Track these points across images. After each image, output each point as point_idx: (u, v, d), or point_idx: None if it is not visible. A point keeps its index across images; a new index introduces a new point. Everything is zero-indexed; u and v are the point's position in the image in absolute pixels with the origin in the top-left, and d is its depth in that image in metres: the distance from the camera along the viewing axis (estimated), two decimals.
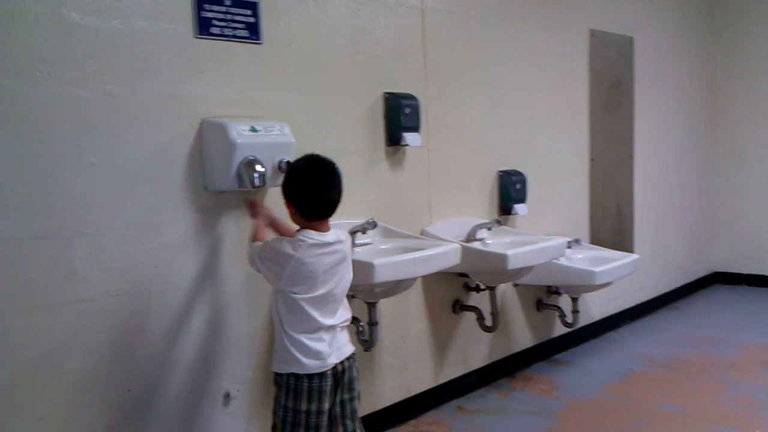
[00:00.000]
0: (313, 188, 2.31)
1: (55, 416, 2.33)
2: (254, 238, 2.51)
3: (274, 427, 2.41)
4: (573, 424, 3.63)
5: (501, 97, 4.17)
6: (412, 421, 3.64)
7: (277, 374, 2.38)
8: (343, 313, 2.42)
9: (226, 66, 2.74)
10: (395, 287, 3.11)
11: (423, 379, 3.76)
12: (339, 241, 2.37)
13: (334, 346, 2.36)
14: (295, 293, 2.30)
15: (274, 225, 2.64)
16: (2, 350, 2.20)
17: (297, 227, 2.38)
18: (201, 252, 2.69)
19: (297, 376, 2.32)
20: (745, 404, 3.83)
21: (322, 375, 2.33)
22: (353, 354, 2.46)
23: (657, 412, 3.75)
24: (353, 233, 3.07)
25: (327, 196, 2.34)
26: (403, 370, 3.62)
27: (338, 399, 2.42)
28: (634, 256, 4.45)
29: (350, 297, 3.12)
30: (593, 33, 4.93)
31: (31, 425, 2.27)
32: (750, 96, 6.61)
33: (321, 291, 2.32)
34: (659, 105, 5.78)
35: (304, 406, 2.33)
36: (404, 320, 3.61)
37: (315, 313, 2.31)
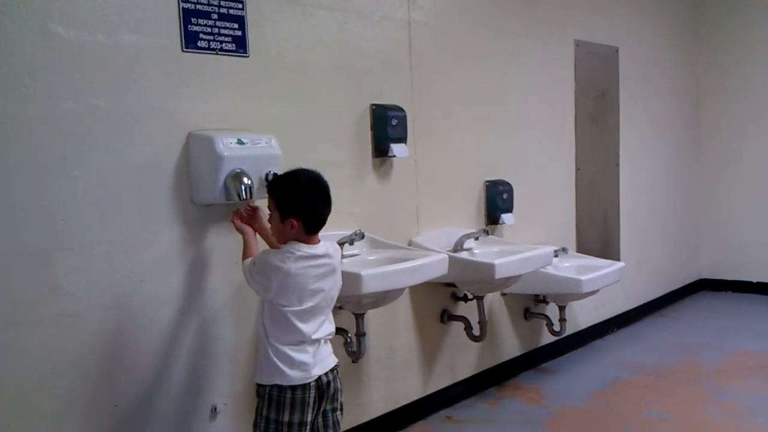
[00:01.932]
0: (318, 203, 2.36)
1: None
2: (246, 254, 2.52)
3: None
4: None
5: (487, 108, 4.20)
6: None
7: (259, 385, 2.38)
8: (328, 326, 2.43)
9: (213, 79, 2.75)
10: (383, 298, 3.12)
11: (411, 390, 3.76)
12: (327, 255, 2.38)
13: (318, 358, 2.37)
14: (283, 305, 2.31)
15: (260, 231, 2.63)
16: None
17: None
18: (187, 265, 2.69)
19: (280, 388, 2.33)
20: (731, 410, 3.85)
21: (305, 386, 2.33)
22: (337, 365, 2.47)
23: (644, 420, 3.77)
24: (341, 244, 3.08)
25: (327, 210, 2.40)
26: (391, 380, 3.62)
27: (321, 410, 2.43)
28: (620, 264, 4.48)
29: (338, 308, 3.12)
30: (578, 43, 4.96)
31: None
32: (733, 105, 6.67)
33: (309, 304, 2.33)
34: (644, 115, 5.82)
35: (286, 418, 2.33)
36: (392, 331, 3.61)
37: (301, 326, 2.32)
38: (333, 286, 2.41)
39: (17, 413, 2.25)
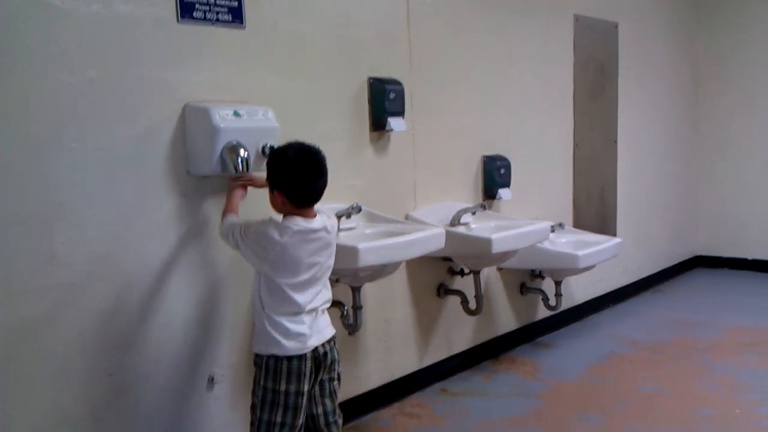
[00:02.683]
0: (306, 177, 2.34)
1: (38, 401, 2.33)
2: (228, 209, 2.52)
3: (253, 407, 2.43)
4: (556, 406, 3.67)
5: (486, 83, 4.18)
6: (397, 404, 3.68)
7: (257, 355, 2.41)
8: (325, 294, 2.44)
9: (210, 50, 2.73)
10: (379, 271, 3.13)
11: (407, 363, 3.78)
12: (324, 228, 2.38)
13: (314, 329, 2.38)
14: (278, 278, 2.32)
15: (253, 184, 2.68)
16: None
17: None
18: (184, 237, 2.69)
19: (277, 358, 2.35)
20: (726, 386, 3.89)
21: (301, 357, 2.35)
22: (334, 336, 2.48)
23: (639, 394, 3.81)
24: (338, 218, 3.08)
25: (318, 184, 2.37)
26: (387, 353, 3.64)
27: (318, 379, 2.45)
28: (616, 240, 4.49)
29: (334, 281, 3.14)
30: (578, 18, 4.93)
31: (14, 410, 2.27)
32: (733, 83, 6.66)
33: (305, 276, 2.34)
34: (643, 91, 5.81)
35: (283, 387, 2.35)
36: (389, 304, 3.63)
37: (297, 297, 2.33)
38: (329, 257, 2.42)
39: (15, 381, 2.27)
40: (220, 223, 2.56)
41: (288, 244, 2.29)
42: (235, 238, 2.39)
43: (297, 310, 2.34)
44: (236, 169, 2.60)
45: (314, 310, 2.39)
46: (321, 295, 2.42)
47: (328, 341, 2.44)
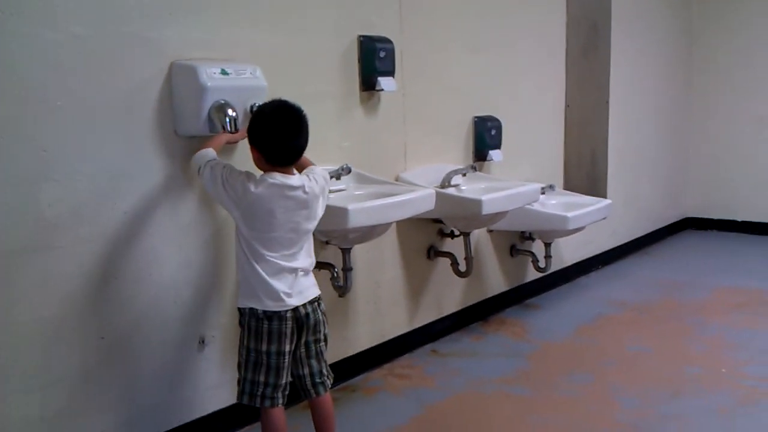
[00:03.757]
0: (280, 134, 2.31)
1: (29, 364, 2.32)
2: (209, 144, 2.49)
3: (239, 365, 2.46)
4: (544, 366, 3.70)
5: (477, 42, 4.13)
6: (387, 365, 3.70)
7: (240, 312, 2.42)
8: (306, 259, 2.43)
9: (196, 6, 2.67)
10: (369, 233, 3.12)
11: (397, 324, 3.80)
12: (302, 187, 2.35)
13: (295, 289, 2.38)
14: (251, 230, 2.31)
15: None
16: None
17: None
18: (172, 197, 2.66)
19: (257, 317, 2.35)
20: (713, 345, 3.93)
21: (281, 316, 2.35)
22: (318, 297, 2.48)
23: (626, 354, 3.84)
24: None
25: (293, 142, 2.34)
26: (377, 315, 3.65)
27: (303, 341, 2.46)
28: (606, 202, 4.49)
29: (324, 243, 3.14)
30: None
31: (4, 373, 2.27)
32: (727, 42, 6.61)
33: (277, 233, 2.32)
34: (636, 50, 5.76)
35: (264, 347, 2.37)
36: (379, 266, 3.63)
37: (271, 255, 2.32)
38: (307, 220, 2.39)
39: (5, 344, 2.26)
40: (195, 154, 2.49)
41: (263, 195, 2.27)
42: (214, 174, 2.34)
43: (276, 268, 2.33)
44: (224, 129, 2.57)
45: (294, 270, 2.37)
46: (301, 258, 2.40)
47: (311, 302, 2.44)
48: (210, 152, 2.44)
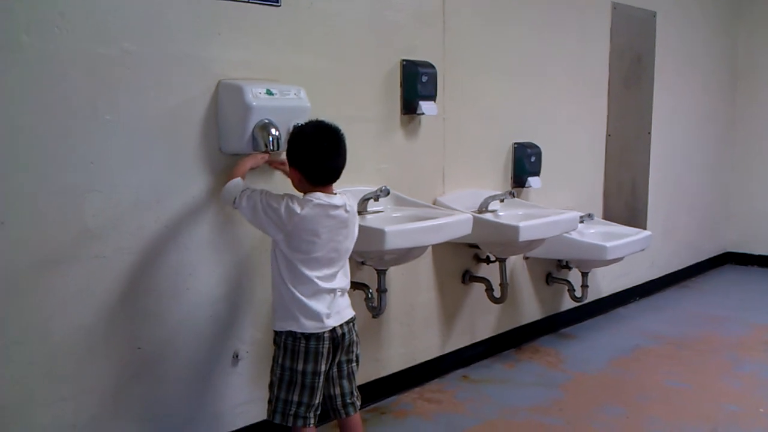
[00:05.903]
0: (321, 155, 2.34)
1: (65, 372, 2.36)
2: (234, 173, 2.50)
3: (271, 384, 2.46)
4: (577, 397, 3.65)
5: (519, 69, 4.14)
6: (417, 389, 3.68)
7: (276, 333, 2.42)
8: (343, 279, 2.44)
9: (244, 27, 2.73)
10: (405, 255, 3.12)
11: (430, 348, 3.78)
12: (344, 206, 2.37)
13: (333, 309, 2.38)
14: (294, 251, 2.32)
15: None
16: (14, 304, 2.23)
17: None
18: (213, 213, 2.70)
19: (294, 337, 2.36)
20: (750, 383, 3.84)
21: (319, 337, 2.36)
22: (353, 318, 2.48)
23: (662, 388, 3.77)
24: (365, 200, 3.08)
25: (334, 162, 2.37)
26: (410, 337, 3.64)
27: (336, 361, 2.46)
28: (646, 233, 4.44)
29: (360, 264, 3.15)
30: (615, 6, 4.86)
31: (40, 380, 2.31)
32: None
33: (319, 254, 2.33)
34: (679, 82, 5.71)
35: (300, 366, 2.37)
36: (413, 289, 3.63)
37: (313, 275, 2.33)
38: (346, 239, 2.41)
39: (42, 351, 2.30)
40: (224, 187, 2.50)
41: (308, 216, 2.29)
42: (252, 201, 2.35)
43: (315, 289, 2.34)
44: (267, 148, 2.60)
45: (332, 291, 2.38)
46: (338, 279, 2.41)
47: (347, 322, 2.45)
48: (239, 182, 2.46)
